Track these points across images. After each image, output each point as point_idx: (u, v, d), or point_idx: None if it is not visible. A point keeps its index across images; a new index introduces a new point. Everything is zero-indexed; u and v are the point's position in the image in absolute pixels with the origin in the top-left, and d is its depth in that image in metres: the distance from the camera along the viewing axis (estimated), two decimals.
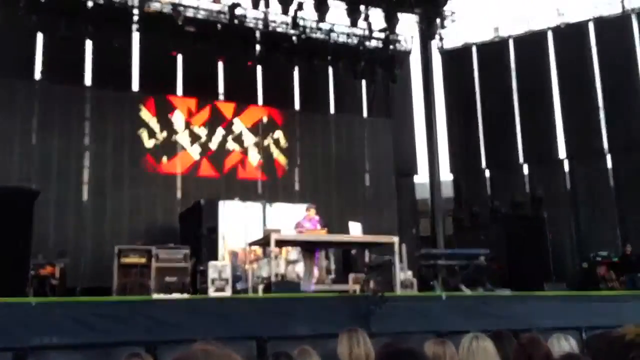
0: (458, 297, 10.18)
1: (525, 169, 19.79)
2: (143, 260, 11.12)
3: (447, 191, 19.62)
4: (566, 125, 19.28)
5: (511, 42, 20.37)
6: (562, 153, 19.37)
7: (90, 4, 15.36)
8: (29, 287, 9.31)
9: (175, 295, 9.85)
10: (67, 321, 6.69)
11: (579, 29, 19.38)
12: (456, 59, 21.04)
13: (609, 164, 18.62)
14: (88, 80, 16.65)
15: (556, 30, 19.68)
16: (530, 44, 20.02)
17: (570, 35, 19.44)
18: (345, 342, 4.12)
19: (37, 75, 16.13)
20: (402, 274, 11.19)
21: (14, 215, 8.95)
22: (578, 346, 4.45)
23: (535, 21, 19.88)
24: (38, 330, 6.48)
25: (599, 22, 19.07)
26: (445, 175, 20.24)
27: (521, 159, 19.84)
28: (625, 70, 18.22)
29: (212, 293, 9.85)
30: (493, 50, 20.56)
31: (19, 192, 10.62)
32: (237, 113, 17.73)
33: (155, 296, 10.04)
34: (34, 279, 10.43)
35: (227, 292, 10.07)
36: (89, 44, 16.45)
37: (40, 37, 16.13)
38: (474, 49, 20.85)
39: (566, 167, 19.29)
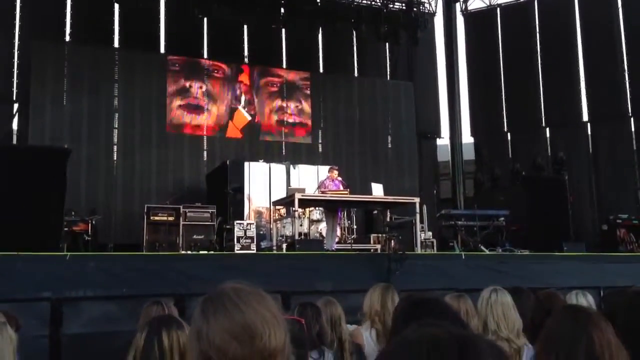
0: (477, 256, 10.40)
1: (548, 132, 19.74)
2: (171, 218, 11.49)
3: (469, 154, 19.71)
4: (589, 88, 19.11)
5: (536, 3, 20.10)
6: (585, 116, 19.28)
7: None
8: (62, 242, 9.63)
9: (203, 252, 10.22)
10: (100, 274, 7.05)
11: None
12: (480, 21, 20.86)
13: (632, 128, 18.49)
14: (116, 42, 16.88)
15: None
16: (556, 5, 19.74)
17: None
18: (378, 294, 4.21)
19: (67, 38, 16.38)
20: (423, 234, 11.45)
21: (48, 173, 9.28)
22: (595, 303, 4.56)
23: None
24: (72, 282, 6.84)
25: None
26: (467, 137, 20.32)
27: (543, 122, 19.78)
28: None
29: (237, 251, 10.19)
30: (517, 12, 20.33)
31: (52, 151, 11.01)
32: (261, 76, 17.89)
33: (184, 252, 10.42)
34: (67, 235, 10.82)
35: (253, 250, 10.40)
36: (116, 7, 16.63)
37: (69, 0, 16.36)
38: (498, 11, 20.63)
39: (589, 130, 19.21)
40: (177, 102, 16.67)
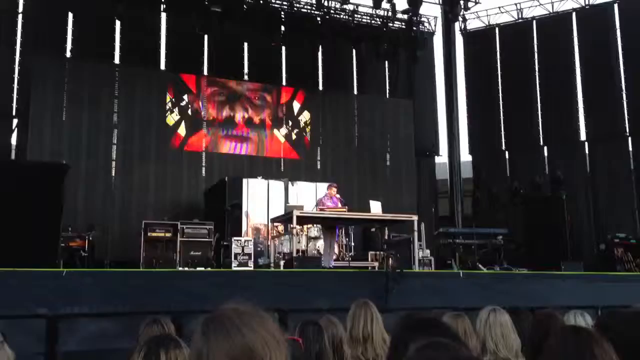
0: (475, 275, 10.39)
1: (545, 151, 19.80)
2: (169, 234, 11.45)
3: (467, 172, 19.74)
4: (587, 107, 19.21)
5: (534, 24, 20.29)
6: (582, 135, 19.35)
7: None
8: (59, 258, 9.59)
9: (200, 269, 10.19)
10: (97, 290, 7.01)
11: (604, 10, 19.22)
12: (479, 40, 21.01)
13: (630, 147, 18.55)
14: (117, 59, 16.96)
15: (580, 11, 19.55)
16: (554, 25, 19.92)
17: (594, 17, 19.30)
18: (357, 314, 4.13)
19: (68, 54, 16.46)
20: (421, 251, 11.41)
21: (46, 189, 9.27)
22: (593, 323, 4.54)
23: (559, 3, 19.75)
24: (69, 299, 6.80)
25: (624, 3, 18.89)
26: (465, 156, 20.37)
27: (541, 141, 19.84)
28: None
29: (235, 267, 10.15)
30: (516, 32, 20.49)
31: (51, 167, 11.00)
32: (261, 93, 17.95)
33: (181, 269, 10.38)
34: (64, 251, 10.79)
35: (250, 267, 10.36)
36: (117, 24, 16.73)
37: (70, 16, 16.45)
38: (496, 31, 20.80)
39: (586, 149, 19.27)
40: (178, 118, 16.71)
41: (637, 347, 2.25)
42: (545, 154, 19.76)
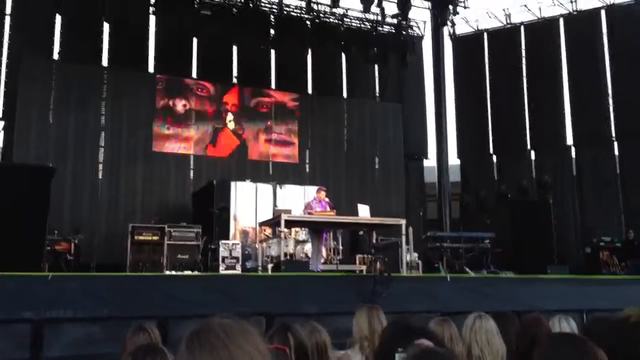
0: (462, 278, 10.40)
1: (533, 155, 19.91)
2: (156, 238, 11.43)
3: (455, 175, 19.80)
4: (574, 112, 19.33)
5: (522, 29, 20.39)
6: (569, 139, 19.47)
7: None
8: (44, 262, 9.54)
9: (187, 272, 10.15)
10: (83, 295, 6.94)
11: (591, 16, 19.35)
12: (467, 45, 21.12)
13: (616, 151, 18.69)
14: (105, 61, 16.87)
15: (567, 17, 19.68)
16: (542, 30, 20.03)
17: (582, 23, 19.43)
18: (364, 316, 4.19)
19: (56, 55, 16.37)
20: (408, 255, 11.42)
21: (31, 192, 9.20)
22: (578, 328, 4.57)
23: (547, 8, 19.88)
24: (54, 303, 6.73)
25: (611, 9, 19.04)
26: (454, 159, 20.44)
27: (529, 145, 19.95)
28: (636, 58, 18.20)
29: (222, 271, 10.13)
30: (504, 37, 20.58)
31: (36, 170, 10.90)
32: (250, 96, 17.93)
33: (168, 273, 10.34)
34: (49, 254, 10.72)
35: (237, 270, 10.35)
36: (106, 26, 16.66)
37: (58, 18, 16.36)
38: (485, 36, 20.91)
39: (573, 154, 19.39)
40: (164, 120, 16.65)
41: (621, 354, 2.26)
42: (533, 158, 19.86)
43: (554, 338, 2.45)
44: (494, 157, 20.53)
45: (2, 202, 8.46)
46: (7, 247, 8.13)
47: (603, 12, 19.22)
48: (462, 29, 21.02)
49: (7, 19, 16.03)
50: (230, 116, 17.54)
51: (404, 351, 1.79)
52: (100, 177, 15.67)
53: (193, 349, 1.48)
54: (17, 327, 6.22)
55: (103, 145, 15.84)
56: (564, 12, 19.72)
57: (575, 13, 19.59)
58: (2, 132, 15.63)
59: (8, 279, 6.70)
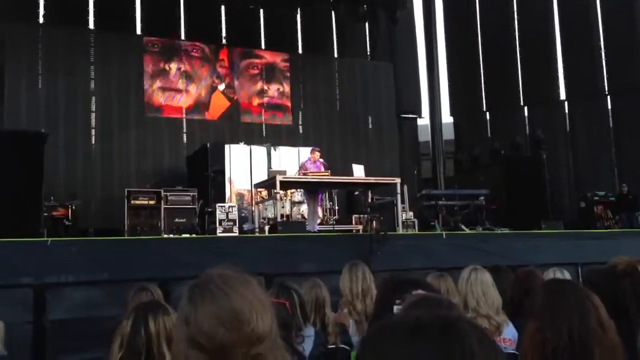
0: (458, 235, 10.52)
1: (526, 111, 19.91)
2: (152, 202, 11.44)
3: (449, 133, 19.82)
4: (567, 67, 19.29)
5: None
6: (562, 95, 19.45)
7: None
8: (42, 228, 9.57)
9: (185, 236, 10.22)
10: (82, 259, 7.02)
11: None
12: (459, 1, 20.89)
13: (609, 105, 18.70)
14: (91, 23, 16.60)
15: None
16: None
17: None
18: (346, 275, 4.27)
19: (41, 19, 16.09)
20: (404, 214, 11.54)
21: (25, 158, 9.21)
22: (573, 280, 4.66)
23: None
24: (54, 268, 6.81)
25: None
26: (447, 117, 20.43)
27: (522, 101, 19.93)
28: (628, 12, 18.10)
29: (220, 233, 10.19)
30: None
31: (29, 136, 10.88)
32: (240, 57, 17.76)
33: (166, 236, 10.40)
34: (47, 220, 10.76)
35: (235, 233, 10.41)
36: None
37: None
38: None
39: (566, 109, 19.39)
40: (156, 84, 16.47)
41: (610, 299, 2.33)
42: (526, 114, 19.87)
43: (557, 282, 2.53)
44: (487, 114, 20.52)
45: None
46: (5, 214, 8.16)
47: None
48: None
49: None
50: (221, 78, 17.39)
51: (402, 302, 1.82)
52: (93, 142, 15.57)
53: (195, 300, 1.51)
54: (19, 291, 6.30)
55: (94, 110, 15.69)
56: None
57: None
58: None
59: (8, 245, 6.76)
